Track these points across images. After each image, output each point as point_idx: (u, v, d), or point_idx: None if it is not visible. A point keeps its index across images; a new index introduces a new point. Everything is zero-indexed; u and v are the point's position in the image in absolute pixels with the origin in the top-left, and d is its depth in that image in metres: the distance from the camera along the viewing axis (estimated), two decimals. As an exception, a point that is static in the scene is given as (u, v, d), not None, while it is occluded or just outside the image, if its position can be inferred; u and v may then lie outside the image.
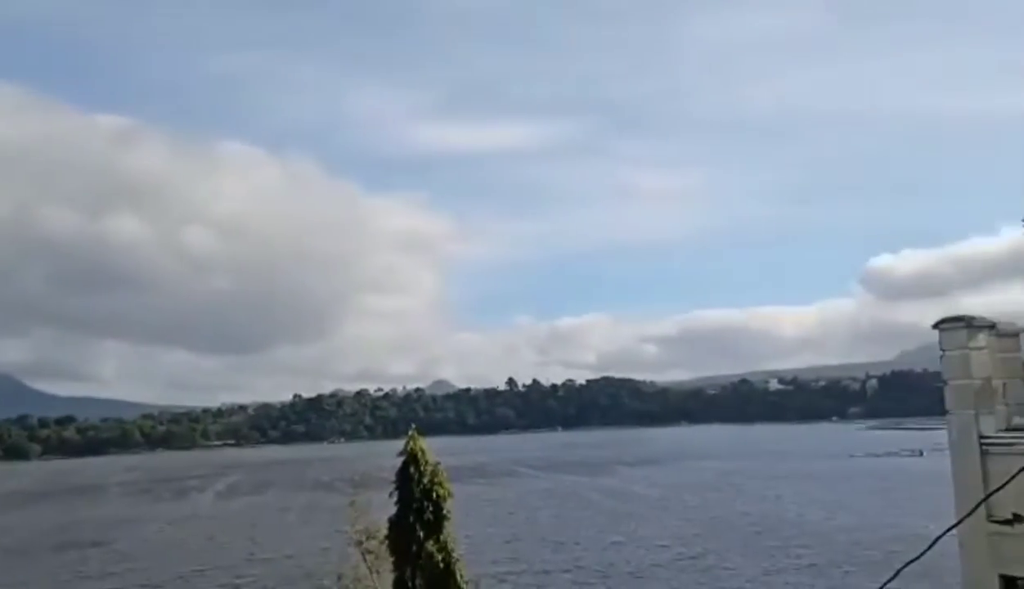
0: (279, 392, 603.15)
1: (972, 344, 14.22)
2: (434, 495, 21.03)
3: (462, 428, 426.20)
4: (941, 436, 14.99)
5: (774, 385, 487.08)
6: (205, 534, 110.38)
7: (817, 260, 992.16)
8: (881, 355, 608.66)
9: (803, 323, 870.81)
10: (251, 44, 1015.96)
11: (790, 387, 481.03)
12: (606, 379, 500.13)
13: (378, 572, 25.01)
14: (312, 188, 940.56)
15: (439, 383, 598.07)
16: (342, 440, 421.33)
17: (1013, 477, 9.20)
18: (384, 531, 22.24)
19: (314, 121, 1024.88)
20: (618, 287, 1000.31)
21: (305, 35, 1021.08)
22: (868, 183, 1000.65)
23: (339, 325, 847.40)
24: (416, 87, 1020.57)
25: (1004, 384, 14.50)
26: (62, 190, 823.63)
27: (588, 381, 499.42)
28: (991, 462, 13.69)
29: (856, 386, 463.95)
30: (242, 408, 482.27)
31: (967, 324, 14.29)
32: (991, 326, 14.51)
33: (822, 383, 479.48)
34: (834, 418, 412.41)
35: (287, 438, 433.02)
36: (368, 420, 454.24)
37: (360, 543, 25.84)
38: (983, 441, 13.93)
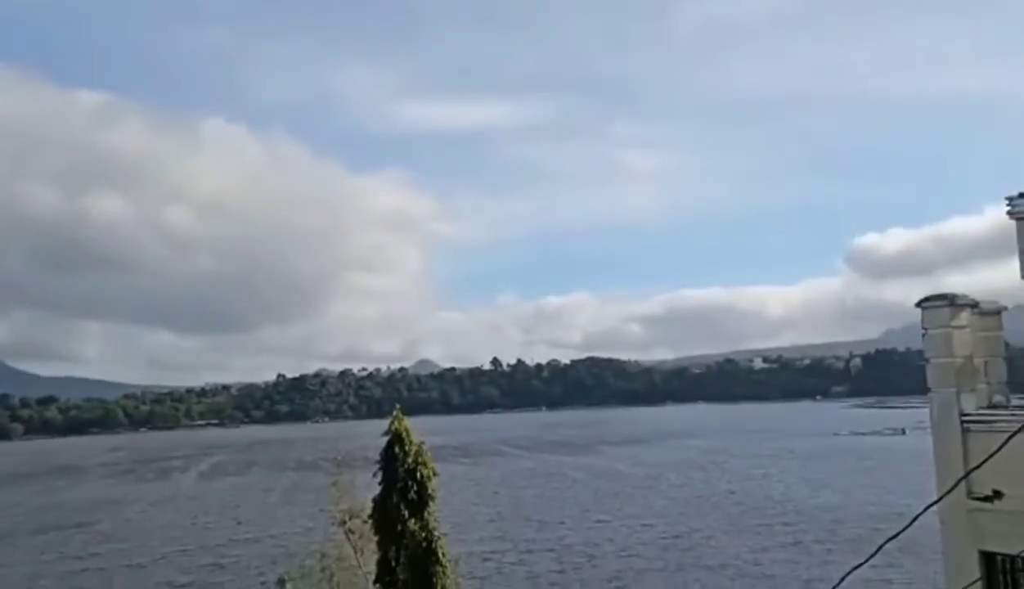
0: (262, 372, 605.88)
1: (954, 323, 14.26)
2: (418, 475, 21.07)
3: (446, 408, 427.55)
4: (924, 414, 15.05)
5: (758, 364, 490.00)
6: (188, 515, 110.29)
7: (802, 239, 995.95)
8: (866, 333, 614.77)
9: (788, 302, 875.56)
10: (235, 20, 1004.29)
11: (774, 366, 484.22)
12: (591, 359, 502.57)
13: (362, 552, 25.03)
14: (296, 166, 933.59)
15: (423, 363, 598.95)
16: (326, 420, 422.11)
17: (992, 454, 9.22)
18: (368, 511, 22.28)
19: (298, 99, 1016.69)
20: (603, 267, 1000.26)
21: (289, 12, 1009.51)
22: (855, 163, 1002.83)
23: (323, 305, 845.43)
24: (402, 65, 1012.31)
25: (985, 362, 14.57)
26: (42, 168, 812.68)
27: (573, 361, 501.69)
28: (972, 440, 13.76)
29: (840, 365, 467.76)
30: (225, 388, 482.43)
31: (949, 303, 14.33)
32: (973, 305, 14.55)
33: (806, 362, 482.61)
34: (818, 397, 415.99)
35: (270, 418, 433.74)
36: (352, 400, 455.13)
37: (344, 523, 25.80)
38: (964, 419, 14.00)
